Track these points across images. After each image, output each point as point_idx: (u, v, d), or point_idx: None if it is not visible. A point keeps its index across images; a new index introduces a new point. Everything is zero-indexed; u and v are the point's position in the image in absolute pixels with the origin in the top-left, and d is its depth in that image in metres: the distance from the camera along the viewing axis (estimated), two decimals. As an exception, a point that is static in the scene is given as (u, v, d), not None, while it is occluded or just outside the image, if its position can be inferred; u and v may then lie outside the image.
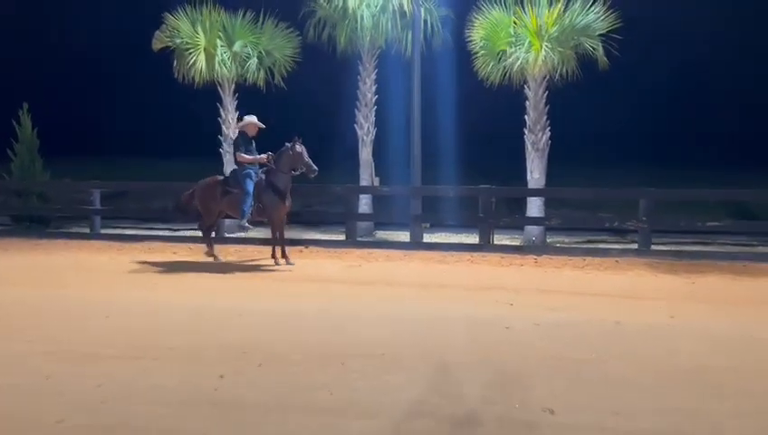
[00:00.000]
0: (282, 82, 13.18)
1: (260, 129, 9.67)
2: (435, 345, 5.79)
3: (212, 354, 5.50)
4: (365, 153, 13.03)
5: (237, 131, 9.83)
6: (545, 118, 11.87)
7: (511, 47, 11.33)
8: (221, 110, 13.29)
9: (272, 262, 9.78)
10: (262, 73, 13.02)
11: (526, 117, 11.96)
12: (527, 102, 11.94)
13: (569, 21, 11.07)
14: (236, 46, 12.79)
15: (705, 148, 21.14)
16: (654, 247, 10.50)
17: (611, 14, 11.09)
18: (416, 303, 7.54)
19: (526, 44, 11.12)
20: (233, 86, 13.23)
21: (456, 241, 11.86)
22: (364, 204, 12.84)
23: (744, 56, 23.13)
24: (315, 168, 9.35)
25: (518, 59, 11.11)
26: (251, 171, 9.53)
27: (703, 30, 21.35)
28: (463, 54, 12.31)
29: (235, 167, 9.77)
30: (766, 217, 12.88)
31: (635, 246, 10.72)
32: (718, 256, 10.18)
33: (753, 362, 5.40)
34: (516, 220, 12.12)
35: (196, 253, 10.63)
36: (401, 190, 12.28)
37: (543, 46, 10.91)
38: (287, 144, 9.46)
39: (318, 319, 6.70)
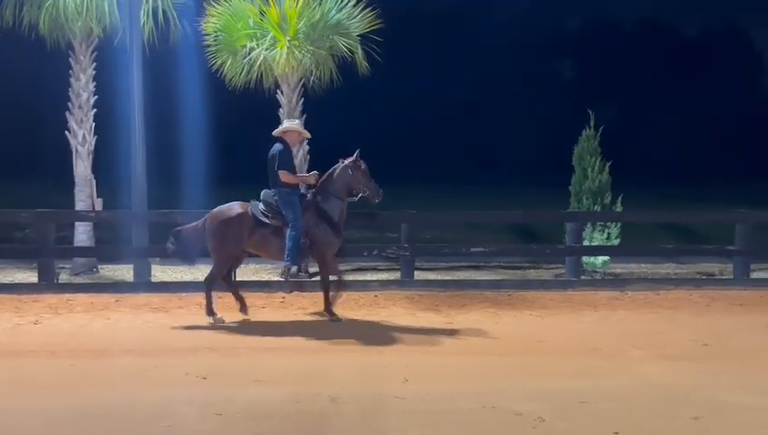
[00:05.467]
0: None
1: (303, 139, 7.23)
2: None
3: None
4: (81, 168, 10.26)
5: (276, 138, 7.24)
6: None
7: (252, 41, 9.44)
8: None
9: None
10: (-66, 64, 9.77)
11: (281, 127, 10.21)
12: (281, 110, 10.17)
13: (320, 16, 9.45)
14: None
15: (473, 164, 20.97)
16: (421, 276, 9.58)
17: (371, 12, 9.71)
18: (74, 391, 5.26)
19: (268, 39, 9.30)
20: None
21: (197, 278, 9.73)
22: (82, 233, 10.13)
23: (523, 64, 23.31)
24: (381, 190, 7.44)
25: (259, 56, 9.24)
26: (296, 196, 7.23)
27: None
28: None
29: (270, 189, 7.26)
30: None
31: (399, 275, 9.49)
32: (485, 284, 9.46)
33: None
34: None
35: None
36: (121, 216, 9.77)
37: (287, 43, 9.15)
38: (343, 160, 7.29)
39: None
